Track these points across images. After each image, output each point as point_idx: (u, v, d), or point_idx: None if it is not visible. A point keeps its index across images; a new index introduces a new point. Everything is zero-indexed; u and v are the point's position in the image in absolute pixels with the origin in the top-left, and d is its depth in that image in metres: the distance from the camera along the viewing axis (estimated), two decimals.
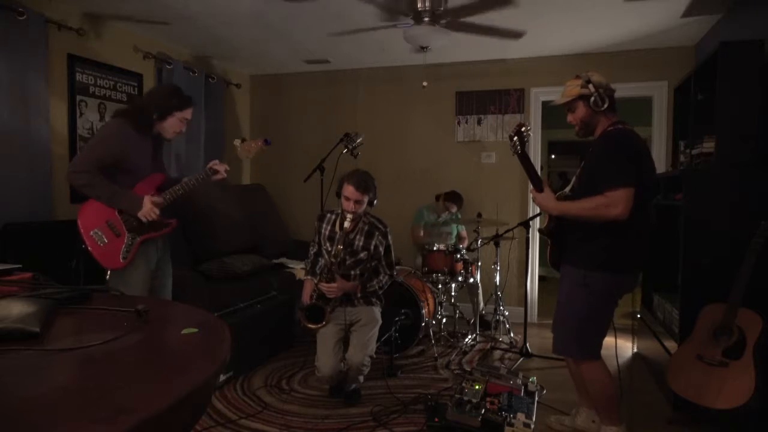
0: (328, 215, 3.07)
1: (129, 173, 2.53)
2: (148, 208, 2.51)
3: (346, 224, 2.83)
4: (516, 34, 4.03)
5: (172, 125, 2.61)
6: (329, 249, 2.94)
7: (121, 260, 2.50)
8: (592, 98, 2.27)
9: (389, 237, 3.07)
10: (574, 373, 2.57)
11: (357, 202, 2.85)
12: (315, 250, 3.06)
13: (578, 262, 2.31)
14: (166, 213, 2.68)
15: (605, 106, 2.26)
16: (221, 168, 2.67)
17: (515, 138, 2.37)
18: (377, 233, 2.99)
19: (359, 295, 2.97)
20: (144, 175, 2.59)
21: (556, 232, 2.44)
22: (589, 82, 2.27)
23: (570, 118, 2.40)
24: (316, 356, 2.86)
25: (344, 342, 2.95)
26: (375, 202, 2.97)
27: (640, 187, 2.14)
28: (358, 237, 2.98)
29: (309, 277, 3.03)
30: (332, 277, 2.85)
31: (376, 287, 2.99)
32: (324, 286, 2.83)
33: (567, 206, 2.30)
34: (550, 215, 2.47)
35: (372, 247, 2.98)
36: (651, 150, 4.53)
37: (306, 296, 2.95)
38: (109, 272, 2.52)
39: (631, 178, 2.11)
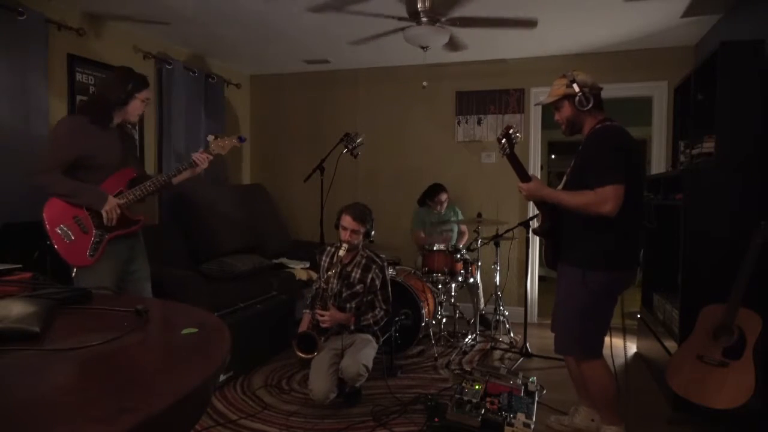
0: (328, 248, 3.13)
1: (95, 170, 2.47)
2: (111, 206, 2.44)
3: (341, 252, 2.88)
4: (528, 23, 3.93)
5: (135, 108, 2.57)
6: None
7: (89, 257, 2.42)
8: (577, 98, 2.29)
9: (386, 271, 3.10)
10: (573, 372, 2.57)
11: (353, 231, 2.93)
12: (318, 285, 3.07)
13: (576, 261, 2.32)
14: (137, 210, 2.63)
15: (590, 105, 2.29)
16: (203, 159, 2.62)
17: (503, 140, 2.40)
18: (374, 267, 3.03)
19: (353, 327, 2.98)
20: (113, 171, 2.52)
21: (551, 231, 2.44)
22: (573, 81, 2.30)
23: (557, 116, 2.43)
24: (309, 379, 2.85)
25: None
26: (372, 233, 3.03)
27: (630, 182, 2.16)
28: (355, 270, 3.02)
29: (307, 310, 3.04)
30: (326, 305, 2.87)
31: (371, 321, 2.99)
32: (318, 313, 2.84)
33: (560, 195, 2.32)
34: (544, 215, 2.47)
35: (368, 280, 3.01)
36: (651, 150, 4.54)
37: (302, 328, 2.95)
38: (75, 271, 2.44)
39: (621, 175, 2.13)
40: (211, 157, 2.68)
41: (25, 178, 2.40)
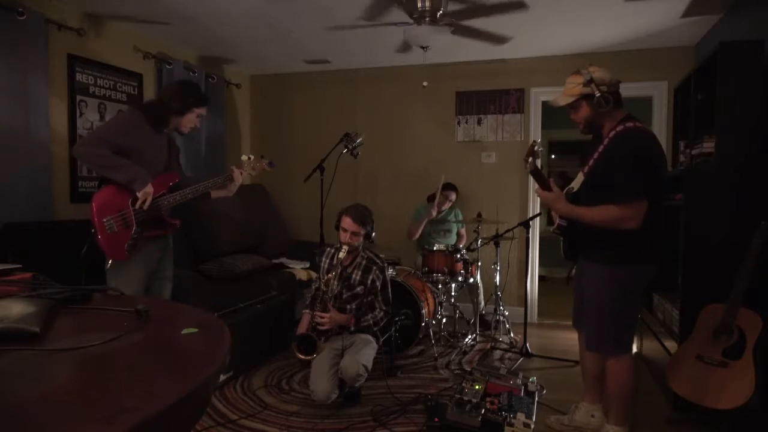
0: (328, 249, 3.13)
1: (141, 166, 2.54)
2: (150, 190, 2.50)
3: (341, 254, 2.88)
4: (501, 39, 4.01)
5: (190, 121, 2.70)
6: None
7: (126, 253, 2.50)
8: (595, 99, 2.19)
9: (386, 272, 3.10)
10: (589, 368, 2.57)
11: (353, 233, 2.92)
12: (317, 285, 3.07)
13: (604, 258, 2.28)
14: (173, 212, 2.71)
15: (609, 106, 2.19)
16: (238, 175, 2.75)
17: (530, 158, 2.34)
18: (375, 268, 3.03)
19: (353, 328, 2.98)
20: (157, 172, 2.62)
21: (568, 229, 2.41)
22: (591, 81, 2.19)
23: (573, 116, 2.34)
24: (310, 380, 2.86)
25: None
26: (373, 235, 3.03)
27: (654, 186, 2.15)
28: (355, 271, 3.02)
29: (307, 310, 3.04)
30: (325, 307, 2.86)
31: (371, 322, 2.99)
32: (317, 315, 2.84)
33: (579, 211, 2.27)
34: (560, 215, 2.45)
35: (369, 282, 3.01)
36: None
37: (302, 328, 2.95)
38: (108, 263, 2.51)
39: (646, 189, 2.12)
40: (245, 174, 2.79)
41: (72, 150, 2.52)
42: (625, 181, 2.13)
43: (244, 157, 2.85)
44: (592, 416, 2.57)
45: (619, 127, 2.21)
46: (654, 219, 2.21)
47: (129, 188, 2.49)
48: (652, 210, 2.18)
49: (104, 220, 2.46)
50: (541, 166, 5.12)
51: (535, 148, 2.35)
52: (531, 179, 4.81)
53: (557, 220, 2.44)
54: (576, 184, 2.37)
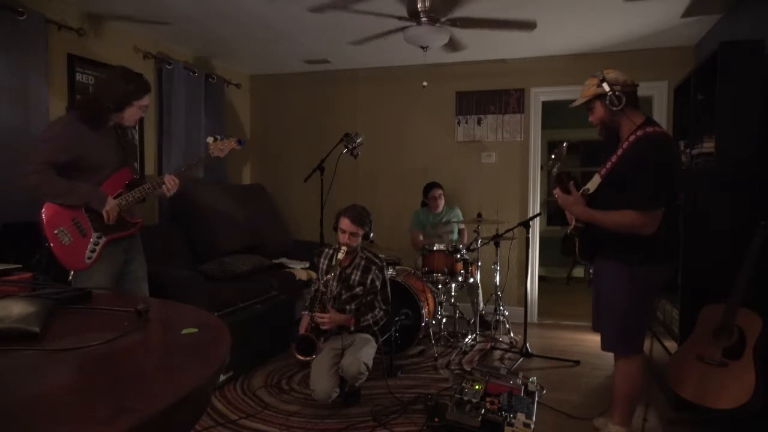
0: (326, 250, 3.13)
1: (91, 171, 2.43)
2: (111, 206, 2.41)
3: (340, 255, 2.88)
4: (527, 25, 3.92)
5: (132, 114, 2.50)
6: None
7: (86, 261, 2.39)
8: (607, 97, 2.22)
9: (385, 272, 3.11)
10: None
11: (352, 234, 2.92)
12: (316, 286, 3.06)
13: (622, 258, 2.27)
14: (135, 211, 2.61)
15: (621, 105, 2.21)
16: (170, 183, 2.58)
17: (557, 163, 2.37)
18: (374, 268, 3.04)
19: (352, 328, 2.98)
20: (110, 171, 2.49)
21: (586, 230, 2.39)
22: (603, 80, 2.23)
23: (591, 118, 2.37)
24: (310, 380, 2.86)
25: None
26: (371, 236, 3.03)
27: (672, 191, 2.20)
28: (354, 272, 3.02)
29: (306, 312, 3.04)
30: (324, 308, 2.87)
31: (371, 321, 2.99)
32: (317, 316, 2.84)
33: (596, 215, 2.26)
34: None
35: (368, 282, 3.02)
36: None
37: (302, 329, 2.95)
38: (71, 274, 2.40)
39: (666, 197, 2.15)
40: (177, 183, 2.61)
41: (17, 180, 2.34)
42: (647, 189, 2.14)
43: (209, 139, 2.70)
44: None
45: (640, 132, 2.21)
46: (670, 218, 2.22)
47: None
48: (668, 210, 2.19)
49: (56, 231, 2.33)
50: (541, 166, 5.14)
51: (563, 149, 2.38)
52: (531, 180, 4.83)
53: (573, 222, 2.42)
54: (592, 186, 2.34)
